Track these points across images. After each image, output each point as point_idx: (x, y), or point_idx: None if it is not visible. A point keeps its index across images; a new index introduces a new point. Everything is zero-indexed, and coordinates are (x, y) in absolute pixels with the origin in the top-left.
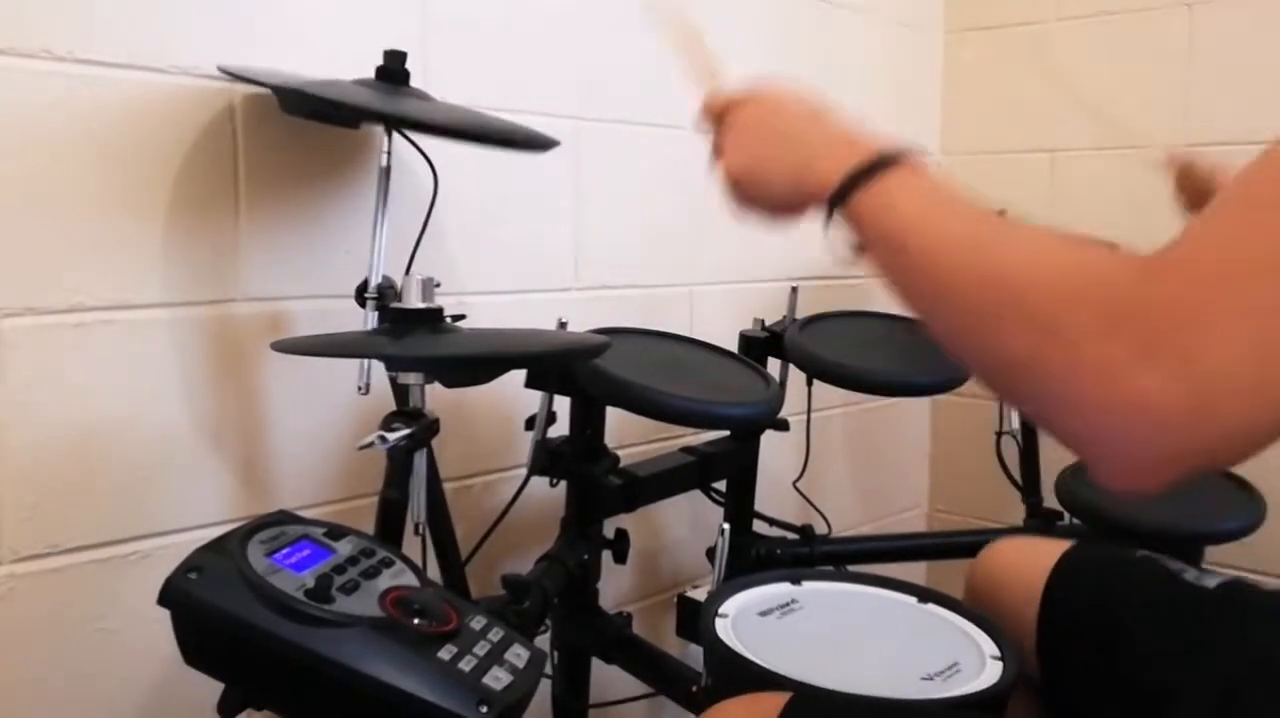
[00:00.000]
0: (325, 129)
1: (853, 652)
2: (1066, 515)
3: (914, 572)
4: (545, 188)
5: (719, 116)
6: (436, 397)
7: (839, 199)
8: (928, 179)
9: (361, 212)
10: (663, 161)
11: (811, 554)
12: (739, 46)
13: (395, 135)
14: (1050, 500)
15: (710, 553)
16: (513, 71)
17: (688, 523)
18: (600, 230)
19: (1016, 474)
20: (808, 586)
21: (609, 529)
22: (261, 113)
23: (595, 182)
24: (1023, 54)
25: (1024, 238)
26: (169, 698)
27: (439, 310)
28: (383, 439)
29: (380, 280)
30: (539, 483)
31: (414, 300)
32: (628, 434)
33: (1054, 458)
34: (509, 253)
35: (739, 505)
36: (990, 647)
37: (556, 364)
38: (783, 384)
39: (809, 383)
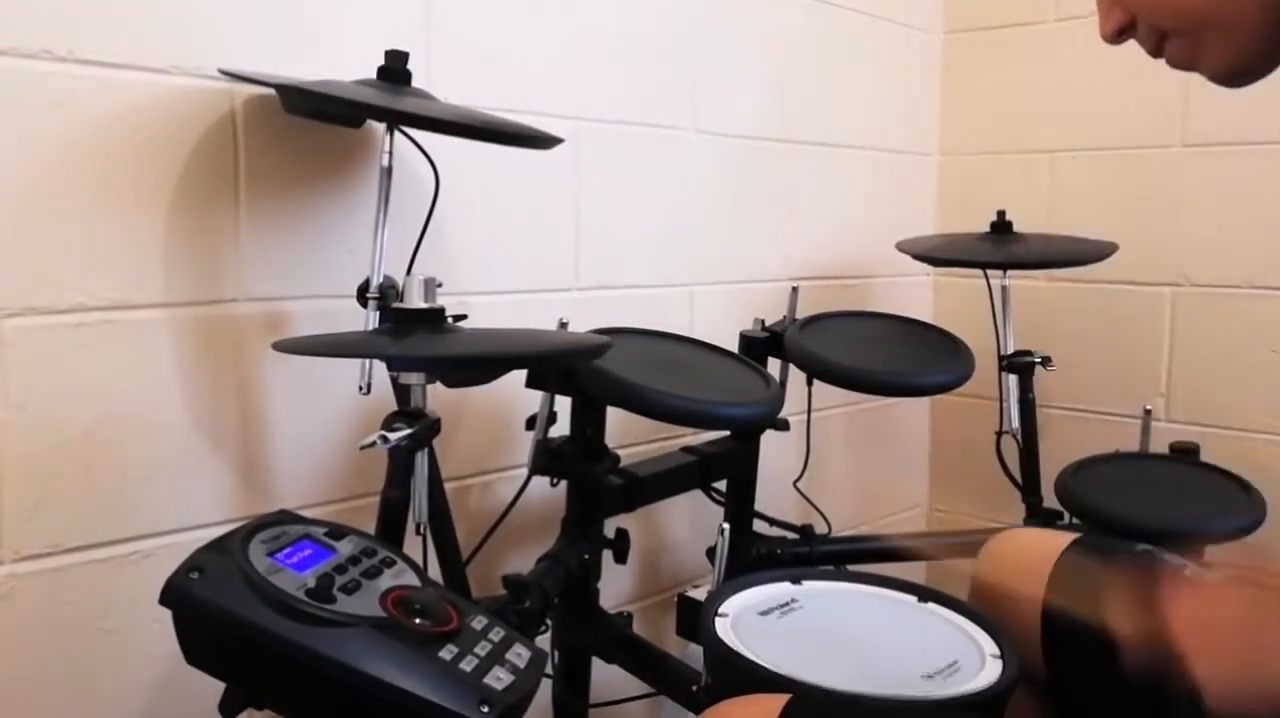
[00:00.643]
0: (326, 130)
1: (853, 651)
2: (1066, 515)
3: (914, 572)
4: (546, 188)
5: None
6: (438, 397)
7: None
8: None
9: (362, 212)
10: (663, 161)
11: (811, 554)
12: (740, 48)
13: (397, 135)
14: (1050, 500)
15: (710, 553)
16: (513, 72)
17: (688, 523)
18: (600, 230)
19: (1016, 474)
20: (808, 585)
21: (609, 529)
22: (262, 113)
23: (595, 181)
24: (1023, 54)
25: None
26: (170, 698)
27: (440, 310)
28: (384, 439)
29: (382, 280)
30: (540, 483)
31: (416, 300)
32: (628, 434)
33: (1054, 458)
34: (510, 253)
35: (739, 505)
36: (990, 646)
37: (557, 364)
38: (783, 384)
39: (809, 383)
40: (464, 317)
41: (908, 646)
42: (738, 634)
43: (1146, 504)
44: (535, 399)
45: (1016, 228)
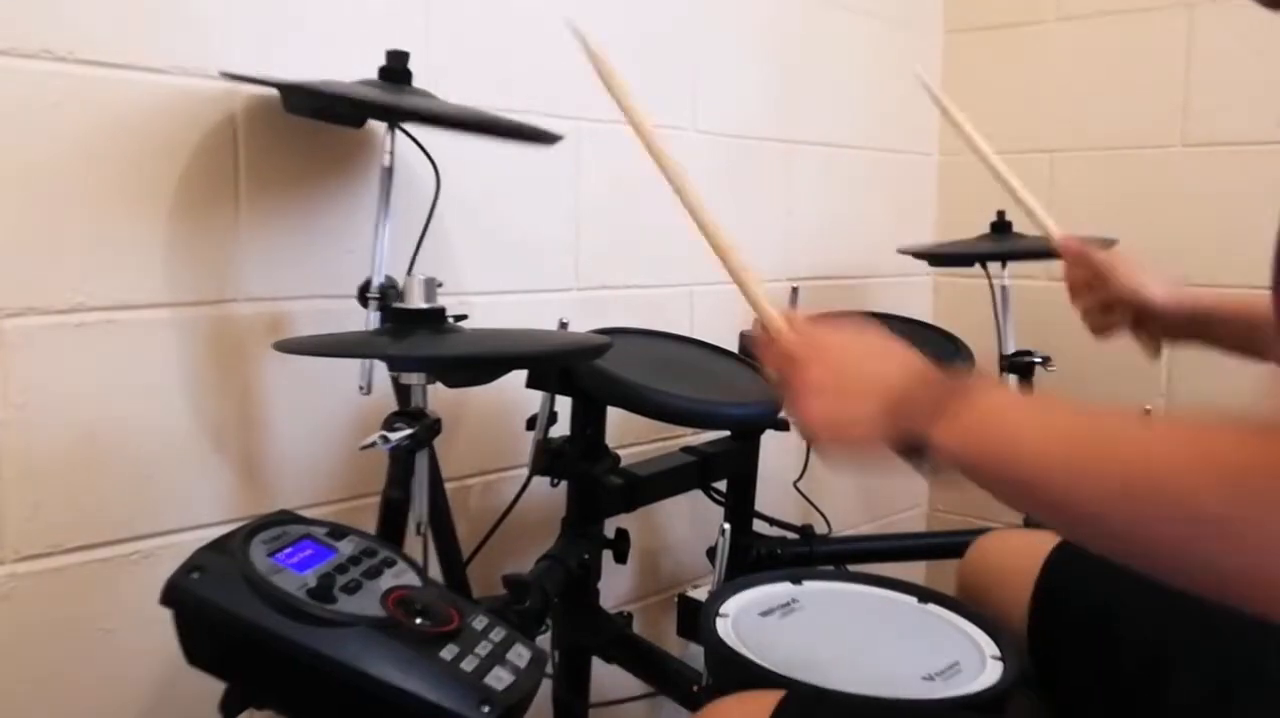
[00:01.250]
0: (327, 130)
1: (853, 652)
2: None
3: (914, 572)
4: (546, 188)
5: (784, 366)
6: (438, 397)
7: (936, 428)
8: (1011, 393)
9: (363, 212)
10: None
11: (811, 554)
12: (740, 47)
13: (398, 135)
14: None
15: (710, 553)
16: (513, 72)
17: (688, 523)
18: (600, 230)
19: None
20: (808, 585)
21: (609, 529)
22: (263, 113)
23: (595, 181)
24: (1023, 54)
25: (1140, 433)
26: (170, 698)
27: (441, 310)
28: (385, 439)
29: (382, 280)
30: (540, 483)
31: (416, 300)
32: (628, 434)
33: None
34: (510, 253)
35: (739, 505)
36: (991, 647)
37: (557, 364)
38: None
39: None
40: (464, 317)
41: (908, 646)
42: (738, 634)
43: None
44: (535, 399)
45: (1016, 228)
